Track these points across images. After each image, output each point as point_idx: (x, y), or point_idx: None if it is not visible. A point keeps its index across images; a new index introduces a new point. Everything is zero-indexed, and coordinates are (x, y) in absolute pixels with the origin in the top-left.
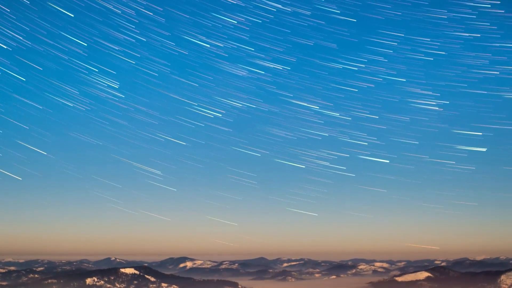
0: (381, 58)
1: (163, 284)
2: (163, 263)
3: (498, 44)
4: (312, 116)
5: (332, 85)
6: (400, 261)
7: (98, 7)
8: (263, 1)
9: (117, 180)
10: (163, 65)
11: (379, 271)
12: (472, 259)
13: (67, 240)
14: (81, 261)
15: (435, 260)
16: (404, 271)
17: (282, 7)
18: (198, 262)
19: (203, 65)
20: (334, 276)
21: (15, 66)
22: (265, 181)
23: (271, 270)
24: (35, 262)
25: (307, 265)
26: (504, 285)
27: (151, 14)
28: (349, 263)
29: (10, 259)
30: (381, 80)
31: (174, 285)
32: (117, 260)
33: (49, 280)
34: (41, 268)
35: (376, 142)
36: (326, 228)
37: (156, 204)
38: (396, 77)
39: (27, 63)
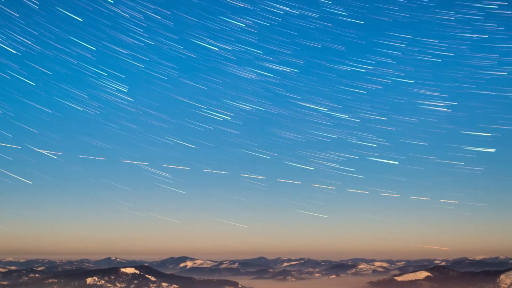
0: (389, 60)
1: (163, 284)
2: (164, 263)
3: (506, 45)
4: (320, 118)
5: (341, 87)
6: (400, 261)
7: (107, 11)
8: (271, 4)
9: (126, 183)
10: (172, 68)
11: (379, 271)
12: (471, 258)
13: (67, 240)
14: (82, 261)
15: (435, 259)
16: (403, 270)
17: (290, 10)
18: (199, 262)
19: (211, 68)
20: (334, 276)
21: (24, 70)
22: (274, 183)
23: (271, 270)
24: (36, 261)
25: (307, 265)
26: (503, 285)
27: (159, 18)
28: (349, 262)
29: (11, 259)
30: (389, 82)
31: (174, 285)
32: (118, 259)
33: (50, 280)
34: (42, 268)
35: (385, 143)
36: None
37: (166, 206)
38: (404, 79)
39: (37, 68)
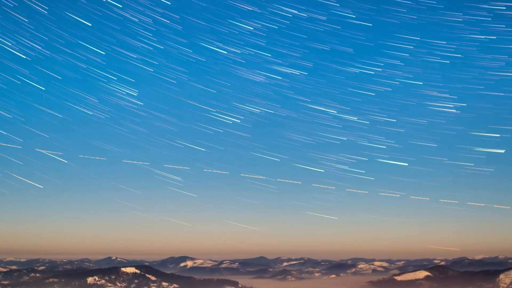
0: (398, 62)
1: (163, 283)
2: (164, 262)
3: None
4: (330, 120)
5: (349, 89)
6: (400, 260)
7: (116, 15)
8: (279, 7)
9: (137, 186)
10: (181, 72)
11: (379, 270)
12: (471, 258)
13: (68, 240)
14: (82, 260)
15: (434, 259)
16: (403, 270)
17: (298, 12)
18: (199, 261)
19: (220, 71)
20: (333, 275)
21: (34, 75)
22: (284, 185)
23: (271, 269)
24: (37, 261)
25: (307, 264)
26: (502, 284)
27: (168, 22)
28: (349, 262)
29: (12, 258)
30: (398, 84)
31: (174, 284)
32: (118, 259)
33: (51, 279)
34: (43, 267)
35: (395, 145)
36: (335, 229)
37: (177, 209)
38: (413, 80)
39: (47, 73)
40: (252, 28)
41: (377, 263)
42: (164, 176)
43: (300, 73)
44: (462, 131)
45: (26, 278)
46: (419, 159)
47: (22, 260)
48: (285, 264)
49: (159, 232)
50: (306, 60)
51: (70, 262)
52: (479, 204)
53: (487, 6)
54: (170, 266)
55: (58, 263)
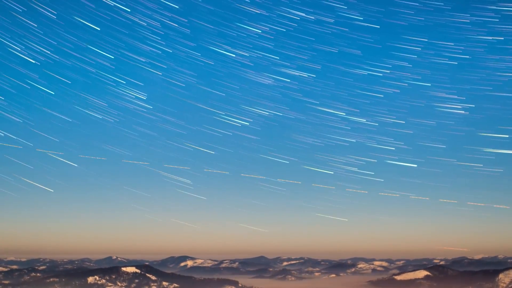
0: (406, 64)
1: (164, 283)
2: (164, 262)
3: None
4: (338, 122)
5: (358, 91)
6: (399, 260)
7: (124, 20)
8: (287, 10)
9: (146, 189)
10: (190, 75)
11: (378, 270)
12: (470, 258)
13: (68, 239)
14: (83, 260)
15: (434, 259)
16: (403, 270)
17: (305, 15)
18: (199, 261)
19: (229, 74)
20: (333, 275)
21: (43, 80)
22: (294, 187)
23: (271, 269)
24: (37, 261)
25: (307, 264)
26: (502, 284)
27: (176, 25)
28: (349, 262)
29: (12, 258)
30: (406, 85)
31: (174, 284)
32: (119, 259)
33: (51, 279)
34: (43, 267)
35: (403, 146)
36: (335, 229)
37: (178, 210)
38: (421, 82)
39: (56, 77)
40: (260, 31)
41: (377, 263)
42: (166, 176)
43: (308, 75)
44: (470, 132)
45: (26, 277)
46: (428, 160)
47: (23, 259)
48: (285, 263)
49: (159, 232)
50: (314, 63)
51: (71, 261)
52: (479, 204)
53: (495, 7)
54: (171, 265)
55: (59, 262)
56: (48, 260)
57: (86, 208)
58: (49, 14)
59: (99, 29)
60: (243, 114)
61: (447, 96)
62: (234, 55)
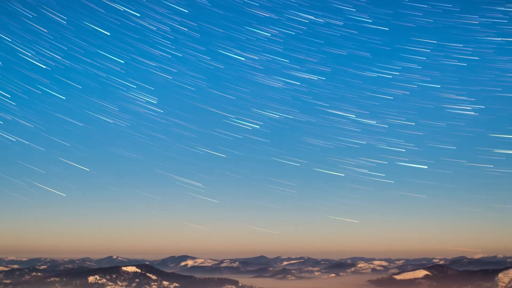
0: (415, 65)
1: (164, 282)
2: (164, 262)
3: None
4: (349, 124)
5: (368, 93)
6: (399, 260)
7: (134, 24)
8: (296, 13)
9: (158, 193)
10: (200, 79)
11: (378, 270)
12: (470, 257)
13: (69, 239)
14: (84, 260)
15: (433, 258)
16: (402, 269)
17: (314, 18)
18: (199, 261)
19: (239, 78)
20: (333, 274)
21: (55, 85)
22: (305, 190)
23: (271, 268)
24: (38, 260)
25: (306, 264)
26: (501, 283)
27: (186, 30)
28: (348, 261)
29: (13, 258)
30: (416, 87)
31: (175, 283)
32: (119, 258)
33: (52, 278)
34: (44, 267)
35: (414, 148)
36: (335, 229)
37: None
38: (431, 84)
39: (67, 82)
40: (269, 35)
41: (376, 262)
42: (167, 177)
43: (318, 78)
44: (481, 133)
45: (27, 277)
46: (438, 161)
47: (24, 259)
48: (285, 263)
49: (160, 232)
50: (324, 65)
51: (71, 261)
52: (478, 204)
53: (503, 8)
54: (171, 265)
55: (60, 262)
56: (48, 259)
57: (86, 208)
58: (59, 19)
59: (109, 34)
60: (254, 117)
61: (457, 97)
62: (243, 59)
